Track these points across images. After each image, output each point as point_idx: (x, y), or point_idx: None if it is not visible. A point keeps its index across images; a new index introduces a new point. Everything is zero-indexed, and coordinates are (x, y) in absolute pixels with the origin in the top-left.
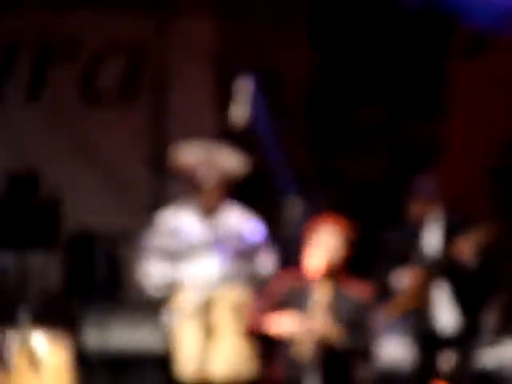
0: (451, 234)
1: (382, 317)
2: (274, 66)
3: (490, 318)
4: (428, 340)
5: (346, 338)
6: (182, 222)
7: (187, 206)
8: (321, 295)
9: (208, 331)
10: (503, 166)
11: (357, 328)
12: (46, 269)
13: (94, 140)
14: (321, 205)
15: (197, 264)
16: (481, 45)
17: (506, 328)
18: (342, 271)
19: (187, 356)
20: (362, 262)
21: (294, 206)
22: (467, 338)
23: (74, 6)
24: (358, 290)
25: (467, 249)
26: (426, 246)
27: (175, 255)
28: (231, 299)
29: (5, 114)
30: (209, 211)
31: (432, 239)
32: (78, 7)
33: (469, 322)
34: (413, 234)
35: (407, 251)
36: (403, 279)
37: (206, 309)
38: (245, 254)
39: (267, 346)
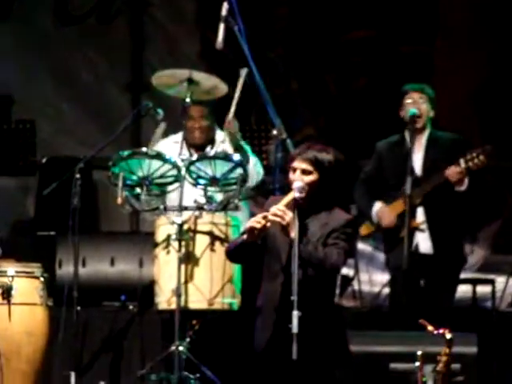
0: (445, 155)
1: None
2: None
3: (476, 249)
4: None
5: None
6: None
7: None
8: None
9: (185, 260)
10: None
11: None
12: (18, 195)
13: (70, 64)
14: (306, 128)
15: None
16: None
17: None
18: (324, 197)
19: (164, 285)
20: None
21: (277, 132)
22: (444, 265)
23: None
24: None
25: (458, 173)
26: (417, 165)
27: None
28: (208, 226)
29: None
30: (197, 145)
31: (418, 159)
32: None
33: (453, 250)
34: (404, 153)
35: (390, 169)
36: (384, 223)
37: (183, 236)
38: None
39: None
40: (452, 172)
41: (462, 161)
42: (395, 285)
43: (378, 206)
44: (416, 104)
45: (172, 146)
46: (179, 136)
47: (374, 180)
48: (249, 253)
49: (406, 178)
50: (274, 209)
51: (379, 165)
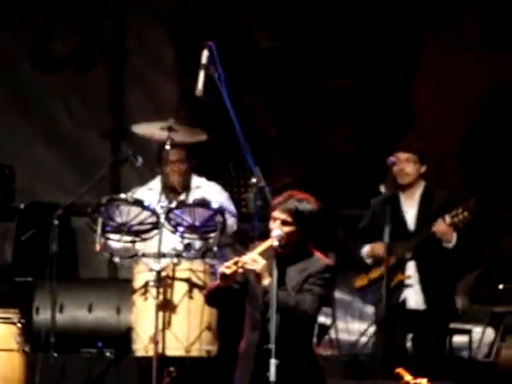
0: (433, 211)
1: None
2: (238, 33)
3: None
4: (396, 319)
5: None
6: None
7: (154, 185)
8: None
9: (163, 307)
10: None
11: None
12: None
13: (50, 110)
14: (284, 176)
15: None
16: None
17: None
18: (303, 245)
19: (142, 331)
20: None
21: (256, 180)
22: (437, 320)
23: None
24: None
25: (444, 229)
26: (406, 220)
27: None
28: (186, 274)
29: None
30: (175, 189)
31: (411, 214)
32: None
33: (441, 303)
34: (392, 206)
35: (382, 224)
36: (375, 252)
37: (160, 284)
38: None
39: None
40: (437, 228)
41: (447, 217)
42: (376, 338)
43: (367, 246)
44: (401, 164)
45: (148, 193)
46: (156, 183)
47: (370, 235)
48: (224, 298)
49: (385, 228)
50: (246, 256)
51: (373, 220)
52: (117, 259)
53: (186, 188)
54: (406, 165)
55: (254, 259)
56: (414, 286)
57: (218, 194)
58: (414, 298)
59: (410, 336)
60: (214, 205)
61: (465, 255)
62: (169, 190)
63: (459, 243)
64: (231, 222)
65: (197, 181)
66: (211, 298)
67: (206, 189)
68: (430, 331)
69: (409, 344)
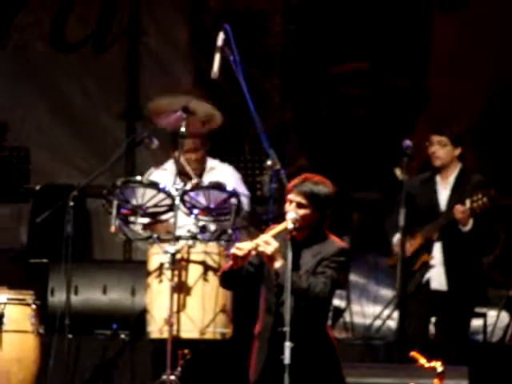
0: (465, 194)
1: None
2: (253, 16)
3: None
4: (418, 300)
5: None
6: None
7: (169, 166)
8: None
9: (177, 289)
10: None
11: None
12: (12, 222)
13: (65, 91)
14: (299, 159)
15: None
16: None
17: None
18: (318, 228)
19: (156, 314)
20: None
21: (271, 163)
22: (460, 302)
23: None
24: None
25: (462, 212)
26: (438, 201)
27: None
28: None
29: None
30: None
31: (444, 196)
32: None
33: (465, 285)
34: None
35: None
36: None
37: (175, 266)
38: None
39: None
40: (457, 210)
41: (467, 201)
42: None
43: (397, 237)
44: (432, 146)
45: (161, 174)
46: (170, 164)
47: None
48: (238, 279)
49: (400, 209)
50: (260, 238)
51: (410, 201)
52: (138, 243)
53: (201, 171)
54: (437, 147)
55: (267, 241)
56: (437, 267)
57: (230, 175)
58: (437, 278)
59: (432, 319)
60: (229, 187)
61: (480, 239)
62: (183, 174)
63: (475, 228)
64: (243, 202)
65: (211, 163)
66: (225, 280)
67: (219, 170)
68: (453, 313)
69: (431, 327)
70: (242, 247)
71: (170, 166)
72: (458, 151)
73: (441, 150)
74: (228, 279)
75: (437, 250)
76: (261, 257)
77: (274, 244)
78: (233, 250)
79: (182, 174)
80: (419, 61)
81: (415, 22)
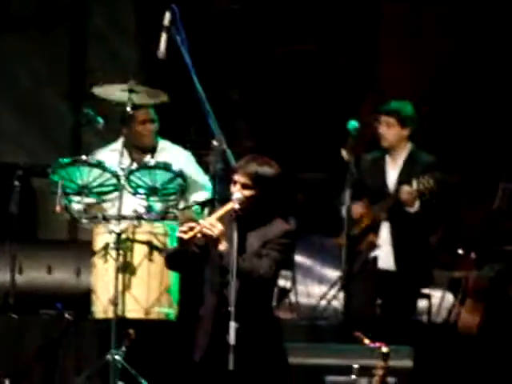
0: (414, 175)
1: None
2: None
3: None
4: (365, 279)
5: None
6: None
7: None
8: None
9: (122, 268)
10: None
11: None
12: None
13: (10, 70)
14: (246, 139)
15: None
16: None
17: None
18: (263, 210)
19: (101, 293)
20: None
21: (217, 143)
22: (407, 282)
23: None
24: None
25: (408, 193)
26: (387, 182)
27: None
28: (146, 236)
29: None
30: (143, 149)
31: (393, 176)
32: None
33: (412, 266)
34: (376, 167)
35: (368, 182)
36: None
37: (121, 245)
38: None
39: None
40: (403, 191)
41: (414, 182)
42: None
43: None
44: (381, 127)
45: (110, 154)
46: (118, 144)
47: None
48: (183, 261)
49: (345, 190)
50: (204, 221)
51: (359, 180)
52: (83, 221)
53: (152, 150)
54: (385, 128)
55: (211, 224)
56: (385, 247)
57: (187, 160)
58: (384, 258)
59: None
60: (175, 167)
61: (426, 220)
62: (135, 151)
63: (421, 209)
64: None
65: (162, 143)
66: (170, 261)
67: (171, 152)
68: (399, 294)
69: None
70: (187, 230)
71: (117, 146)
72: (405, 132)
73: (388, 130)
74: (173, 260)
75: (384, 230)
76: (206, 238)
77: (219, 227)
78: (178, 233)
79: (135, 150)
80: (367, 43)
81: (364, 4)
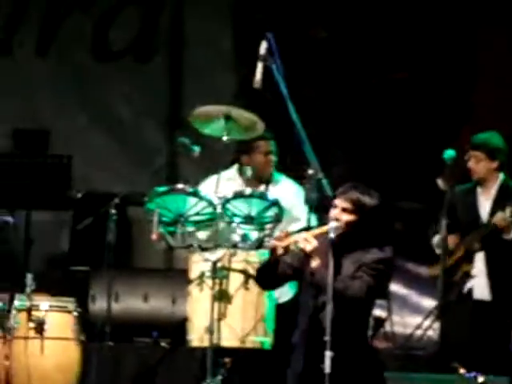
0: (508, 204)
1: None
2: (295, 25)
3: None
4: (461, 310)
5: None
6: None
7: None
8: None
9: (218, 297)
10: None
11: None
12: (53, 230)
13: (107, 99)
14: (341, 168)
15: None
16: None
17: None
18: (360, 236)
19: (197, 322)
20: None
21: (313, 172)
22: (503, 312)
23: None
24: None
25: (503, 220)
26: (479, 213)
27: None
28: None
29: (14, 67)
30: (261, 180)
31: (486, 207)
32: None
33: (508, 295)
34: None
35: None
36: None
37: (217, 274)
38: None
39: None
40: (498, 219)
41: (508, 209)
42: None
43: (438, 236)
44: (470, 162)
45: (226, 184)
46: (231, 172)
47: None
48: (273, 276)
49: (440, 220)
50: (299, 235)
51: (452, 211)
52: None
53: (267, 181)
54: (473, 162)
55: (306, 238)
56: (480, 278)
57: (297, 194)
58: (479, 288)
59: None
60: (271, 196)
61: None
62: (251, 181)
63: None
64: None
65: (276, 176)
66: (261, 276)
67: (284, 185)
68: (496, 323)
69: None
70: (282, 238)
71: (232, 174)
72: (495, 164)
73: (477, 164)
74: (264, 275)
75: (479, 259)
76: (299, 260)
77: (313, 242)
78: (272, 241)
79: (250, 180)
80: (465, 72)
81: (461, 33)
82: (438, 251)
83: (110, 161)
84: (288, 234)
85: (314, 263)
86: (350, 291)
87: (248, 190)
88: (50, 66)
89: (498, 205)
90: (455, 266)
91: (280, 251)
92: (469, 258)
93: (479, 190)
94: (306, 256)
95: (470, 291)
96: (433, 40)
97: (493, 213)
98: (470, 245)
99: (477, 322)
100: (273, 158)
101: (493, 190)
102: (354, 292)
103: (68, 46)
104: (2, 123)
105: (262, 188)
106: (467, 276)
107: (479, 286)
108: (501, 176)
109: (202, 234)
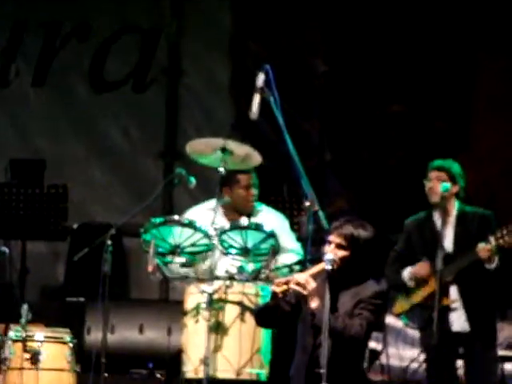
0: (474, 231)
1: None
2: (294, 57)
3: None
4: (445, 344)
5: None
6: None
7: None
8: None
9: (214, 328)
10: None
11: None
12: (49, 260)
13: (104, 129)
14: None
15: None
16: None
17: None
18: (356, 270)
19: (192, 353)
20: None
21: (309, 204)
22: (484, 342)
23: None
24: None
25: (488, 251)
26: (447, 242)
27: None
28: (238, 296)
29: (10, 97)
30: (241, 213)
31: (448, 236)
32: None
33: (488, 328)
34: (432, 229)
35: (419, 245)
36: (420, 273)
37: (213, 305)
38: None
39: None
40: (482, 249)
41: (491, 238)
42: (428, 363)
43: (408, 268)
44: (431, 182)
45: (206, 213)
46: (213, 203)
47: (405, 257)
48: (273, 317)
49: (437, 254)
50: (297, 276)
51: (409, 242)
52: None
53: (249, 213)
54: (435, 182)
55: (304, 281)
56: (458, 310)
57: (281, 224)
58: (458, 321)
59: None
60: (267, 228)
61: (504, 280)
62: (232, 212)
63: (501, 264)
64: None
65: (258, 206)
66: (260, 317)
67: (267, 216)
68: (478, 354)
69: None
70: (281, 284)
71: (210, 205)
72: (455, 189)
73: (438, 185)
74: (263, 317)
75: (453, 292)
76: (298, 297)
77: (312, 283)
78: (272, 287)
79: (231, 211)
80: (461, 103)
81: (459, 62)
82: (409, 284)
83: (106, 191)
84: (287, 280)
85: (314, 304)
86: (349, 331)
87: (244, 222)
88: (46, 97)
89: (458, 233)
90: (429, 299)
91: (279, 295)
92: (444, 292)
93: (436, 216)
94: (305, 297)
95: (450, 325)
96: (429, 70)
97: (457, 241)
98: (446, 277)
99: (457, 355)
100: (254, 191)
101: (451, 218)
102: (355, 331)
103: (65, 76)
104: None
105: (242, 219)
106: (447, 309)
107: (456, 319)
108: (457, 203)
109: (199, 266)
